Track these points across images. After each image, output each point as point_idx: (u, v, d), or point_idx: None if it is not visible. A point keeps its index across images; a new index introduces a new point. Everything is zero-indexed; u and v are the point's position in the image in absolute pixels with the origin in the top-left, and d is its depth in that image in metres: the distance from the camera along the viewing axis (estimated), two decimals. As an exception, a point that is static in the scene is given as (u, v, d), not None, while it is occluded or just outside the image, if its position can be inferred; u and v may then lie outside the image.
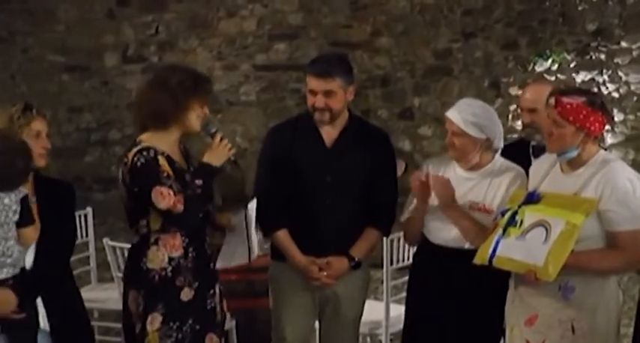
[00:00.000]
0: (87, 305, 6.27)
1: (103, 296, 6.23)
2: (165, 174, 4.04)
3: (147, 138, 4.18)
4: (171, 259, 4.15)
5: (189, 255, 4.18)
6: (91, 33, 11.09)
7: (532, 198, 3.92)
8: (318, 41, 10.54)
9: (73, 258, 6.33)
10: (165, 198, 4.02)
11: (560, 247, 3.72)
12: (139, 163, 4.05)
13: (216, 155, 4.22)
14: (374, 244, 4.68)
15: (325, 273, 4.54)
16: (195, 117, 4.19)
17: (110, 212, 9.43)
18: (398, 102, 10.37)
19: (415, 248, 4.72)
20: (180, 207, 4.03)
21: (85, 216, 6.51)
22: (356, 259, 4.57)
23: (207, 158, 4.20)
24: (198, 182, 4.12)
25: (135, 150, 4.10)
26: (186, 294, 4.18)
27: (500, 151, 4.81)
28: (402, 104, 10.36)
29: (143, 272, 4.17)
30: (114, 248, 5.78)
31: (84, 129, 11.28)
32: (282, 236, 4.58)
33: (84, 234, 6.51)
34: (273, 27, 10.72)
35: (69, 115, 11.25)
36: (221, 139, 4.26)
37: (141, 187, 4.07)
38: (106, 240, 5.87)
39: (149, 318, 4.15)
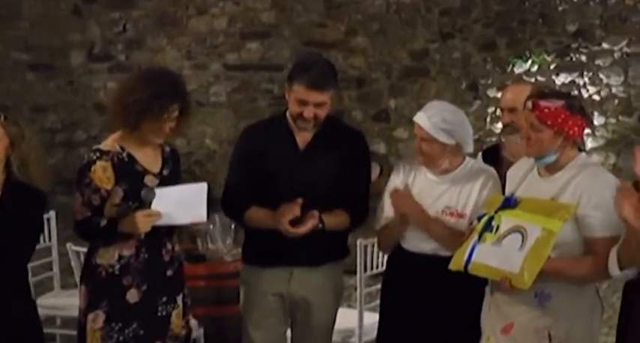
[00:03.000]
0: (49, 312, 6.28)
1: (66, 303, 6.18)
2: (86, 181, 4.18)
3: (116, 136, 4.30)
4: (121, 257, 4.21)
5: (141, 255, 4.21)
6: (56, 30, 11.04)
7: (509, 203, 3.93)
8: (291, 40, 10.54)
9: (35, 264, 6.33)
10: (75, 202, 4.24)
11: (536, 254, 3.73)
12: (82, 162, 4.26)
13: (133, 225, 4.14)
14: (342, 222, 4.58)
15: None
16: (151, 134, 4.22)
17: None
18: (373, 103, 10.38)
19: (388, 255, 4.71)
20: (78, 217, 4.24)
21: (48, 220, 6.46)
22: (324, 222, 4.47)
23: (126, 224, 4.15)
24: (103, 222, 4.19)
25: (92, 148, 4.30)
26: (133, 296, 4.21)
27: (480, 154, 4.84)
28: (378, 106, 10.37)
29: (92, 267, 4.23)
30: (77, 253, 5.74)
31: (48, 129, 11.22)
32: (254, 209, 4.55)
33: (46, 239, 6.47)
34: (245, 25, 10.71)
35: (32, 115, 11.17)
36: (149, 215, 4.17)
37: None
38: (69, 245, 5.84)
39: (91, 316, 4.19)
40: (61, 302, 6.27)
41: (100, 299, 4.22)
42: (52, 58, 11.12)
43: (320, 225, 4.44)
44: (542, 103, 3.87)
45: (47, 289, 6.66)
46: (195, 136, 10.70)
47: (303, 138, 4.58)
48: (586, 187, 3.81)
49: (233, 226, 5.86)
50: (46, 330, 6.24)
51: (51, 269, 6.61)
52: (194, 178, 9.51)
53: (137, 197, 4.17)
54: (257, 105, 10.59)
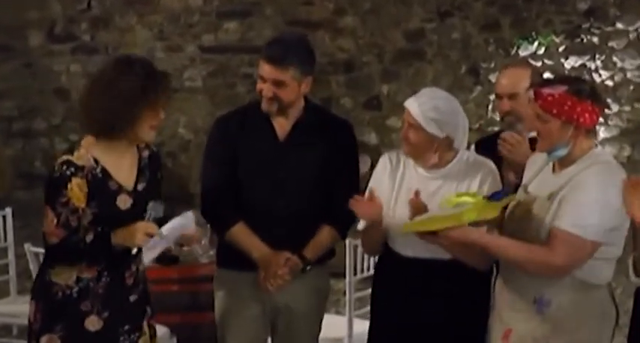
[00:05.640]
0: (4, 320, 6.27)
1: (23, 310, 6.09)
2: (64, 200, 4.07)
3: (88, 145, 4.18)
4: (79, 279, 4.14)
5: (103, 279, 4.16)
6: (12, 7, 11.00)
7: (494, 198, 3.95)
8: (273, 20, 10.53)
9: (-12, 266, 6.31)
10: (48, 221, 4.09)
11: (448, 218, 3.88)
12: (53, 175, 4.10)
13: (130, 236, 4.08)
14: (328, 245, 4.65)
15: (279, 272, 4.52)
16: (147, 129, 4.16)
17: (34, 213, 9.30)
18: (364, 89, 10.39)
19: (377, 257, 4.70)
20: (52, 240, 4.10)
21: (4, 218, 6.44)
22: (308, 259, 4.54)
23: (120, 236, 4.09)
24: (89, 237, 4.10)
25: (63, 158, 4.12)
26: (93, 324, 4.15)
27: (473, 145, 4.82)
28: (369, 92, 10.38)
29: (46, 284, 4.17)
30: (37, 254, 5.73)
31: (4, 117, 11.20)
32: (240, 229, 4.55)
33: (2, 239, 6.45)
34: (223, 3, 10.70)
35: (-14, 102, 11.18)
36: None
37: (44, 198, 4.13)
38: (27, 246, 5.82)
39: (45, 338, 4.15)
40: (17, 309, 6.23)
41: (55, 321, 4.15)
42: (8, 38, 11.08)
43: (306, 266, 4.53)
44: (545, 91, 3.86)
45: (2, 294, 6.63)
46: (168, 125, 10.68)
47: (282, 127, 4.58)
48: (585, 181, 3.80)
49: (209, 225, 5.86)
50: (1, 340, 6.25)
51: (7, 272, 6.58)
52: (166, 171, 9.50)
53: (107, 221, 4.12)
54: (236, 91, 10.59)
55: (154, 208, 4.20)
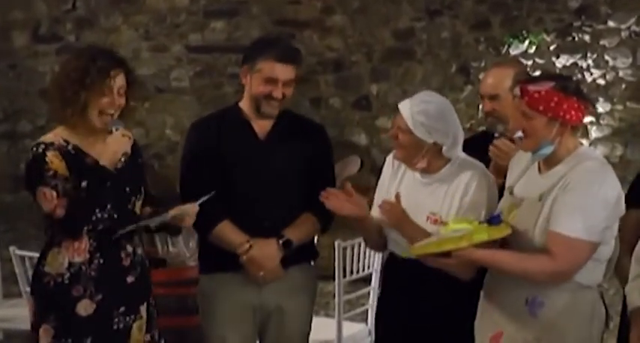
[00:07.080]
0: (-9, 324, 6.26)
1: (9, 314, 6.17)
2: (51, 173, 4.11)
3: (59, 130, 4.26)
4: (71, 264, 4.17)
5: (95, 261, 4.19)
6: (-4, 8, 11.00)
7: (493, 222, 3.95)
8: (260, 19, 10.53)
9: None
10: (47, 200, 4.10)
11: (454, 240, 3.85)
12: (30, 160, 4.18)
13: (107, 152, 4.20)
14: (309, 229, 4.68)
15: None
16: (95, 115, 4.18)
17: (20, 216, 9.34)
18: (353, 89, 10.39)
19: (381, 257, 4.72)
20: (60, 212, 4.11)
21: (-12, 221, 6.46)
22: (285, 237, 4.54)
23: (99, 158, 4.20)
24: (83, 184, 4.14)
25: (33, 144, 4.23)
26: (85, 308, 4.19)
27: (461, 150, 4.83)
28: (358, 92, 10.37)
29: (40, 275, 4.23)
30: (22, 258, 5.73)
31: (-12, 119, 11.19)
32: (225, 226, 4.56)
33: (-14, 242, 6.46)
34: (209, 2, 10.69)
35: (-30, 104, 11.16)
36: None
37: (28, 187, 4.17)
38: (12, 249, 5.83)
39: (41, 330, 4.20)
40: (4, 313, 6.25)
41: (48, 312, 4.21)
42: (-8, 39, 11.08)
43: (282, 241, 4.54)
44: (531, 88, 3.87)
45: (-12, 298, 6.64)
46: (155, 126, 10.69)
47: (261, 128, 4.61)
48: (575, 181, 3.81)
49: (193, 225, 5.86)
50: (-13, 345, 6.25)
51: (-8, 276, 6.60)
52: (152, 173, 9.50)
53: (99, 184, 4.17)
54: (223, 92, 10.58)
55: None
